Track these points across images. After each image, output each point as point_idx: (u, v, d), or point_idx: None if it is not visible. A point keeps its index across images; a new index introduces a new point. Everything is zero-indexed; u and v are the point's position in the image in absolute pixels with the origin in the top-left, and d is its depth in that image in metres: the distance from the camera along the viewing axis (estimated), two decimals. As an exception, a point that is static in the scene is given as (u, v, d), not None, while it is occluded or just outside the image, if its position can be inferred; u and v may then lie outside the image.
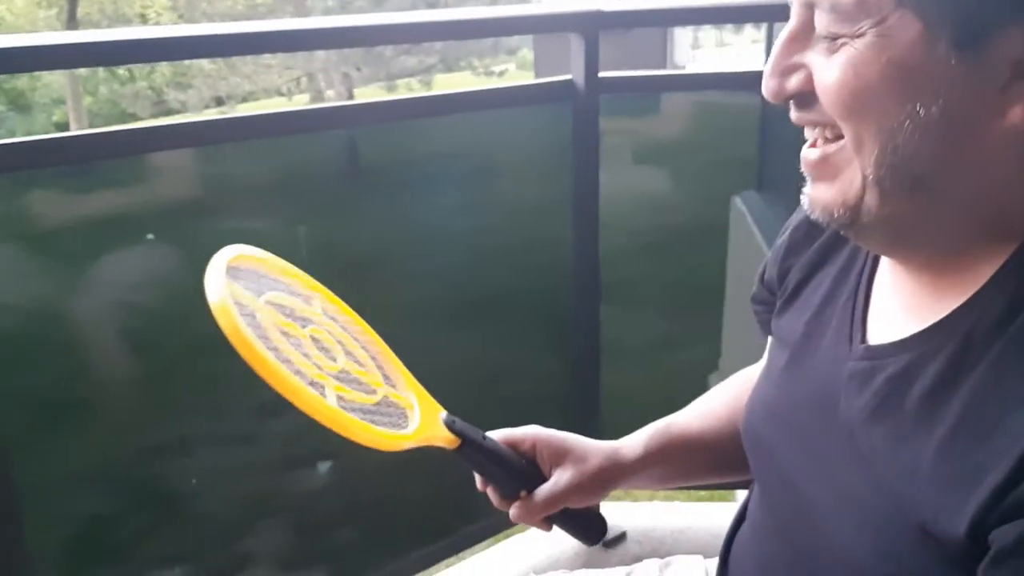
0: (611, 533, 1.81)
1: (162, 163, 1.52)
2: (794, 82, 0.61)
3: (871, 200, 0.59)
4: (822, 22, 0.58)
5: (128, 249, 1.53)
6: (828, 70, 0.58)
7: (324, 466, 1.81)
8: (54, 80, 18.18)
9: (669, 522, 1.75)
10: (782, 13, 0.64)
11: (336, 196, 1.68)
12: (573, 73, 1.71)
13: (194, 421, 1.62)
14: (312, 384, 0.62)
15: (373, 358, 0.75)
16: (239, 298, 0.62)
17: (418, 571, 1.86)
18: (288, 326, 0.67)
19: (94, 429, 1.50)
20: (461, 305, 1.83)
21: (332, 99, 17.32)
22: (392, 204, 1.74)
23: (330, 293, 0.78)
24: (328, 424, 0.61)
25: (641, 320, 2.04)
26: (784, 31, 0.61)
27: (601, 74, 1.70)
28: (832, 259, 0.77)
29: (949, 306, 0.62)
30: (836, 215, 0.62)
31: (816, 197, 0.63)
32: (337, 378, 0.67)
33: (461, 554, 1.93)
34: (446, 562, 1.90)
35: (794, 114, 0.63)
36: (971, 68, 0.54)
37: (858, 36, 0.56)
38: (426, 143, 1.75)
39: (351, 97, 16.58)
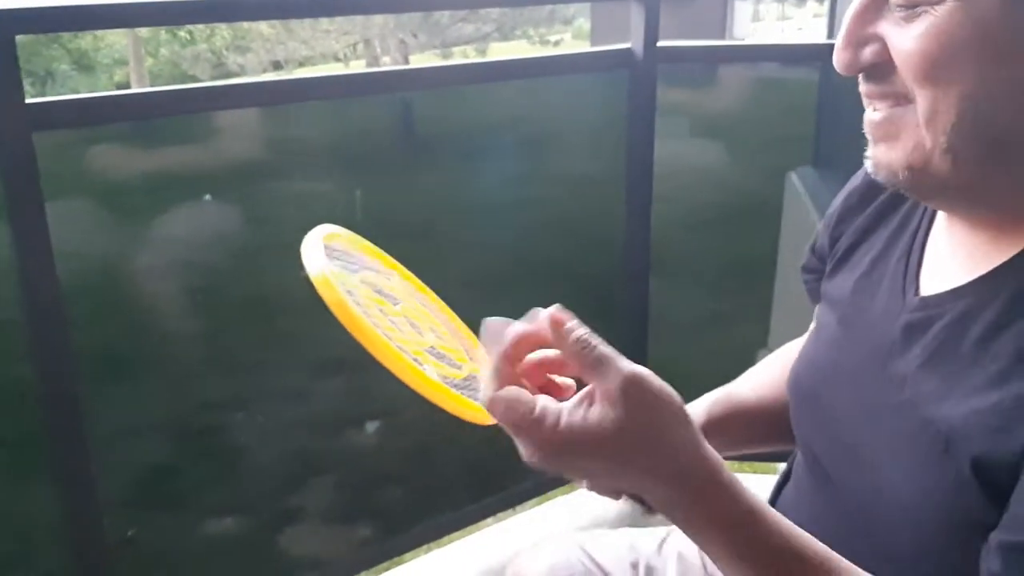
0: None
1: (222, 123, 1.56)
2: (868, 53, 0.61)
3: (942, 166, 0.59)
4: None
5: (189, 207, 1.57)
6: (907, 39, 0.58)
7: (373, 425, 1.86)
8: (116, 41, 18.48)
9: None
10: (843, -14, 0.64)
11: (391, 161, 1.70)
12: (632, 41, 1.69)
13: (250, 378, 1.66)
14: (415, 360, 0.64)
15: (454, 334, 0.76)
16: (338, 274, 0.64)
17: (463, 527, 1.90)
18: (382, 304, 0.69)
19: (156, 382, 1.55)
20: (510, 275, 1.85)
21: (388, 65, 17.35)
22: (446, 171, 1.75)
23: (406, 271, 0.79)
24: (434, 398, 0.60)
25: (691, 295, 2.03)
26: (855, 1, 0.61)
27: (660, 43, 1.69)
28: (885, 223, 0.78)
29: (1006, 255, 0.63)
30: (901, 176, 0.62)
31: (879, 158, 0.63)
32: (430, 353, 0.68)
33: (505, 512, 1.95)
34: (492, 519, 1.93)
35: (865, 86, 0.62)
36: None
37: (939, 4, 0.56)
38: (481, 110, 1.75)
39: (406, 63, 16.59)
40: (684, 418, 0.57)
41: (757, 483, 0.87)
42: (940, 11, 0.56)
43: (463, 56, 17.36)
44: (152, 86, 17.94)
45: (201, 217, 1.59)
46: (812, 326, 0.93)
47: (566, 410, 0.55)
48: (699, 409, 0.90)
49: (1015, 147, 0.58)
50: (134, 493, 1.54)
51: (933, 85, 0.57)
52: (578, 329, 0.58)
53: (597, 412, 0.54)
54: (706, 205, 2.00)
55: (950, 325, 0.65)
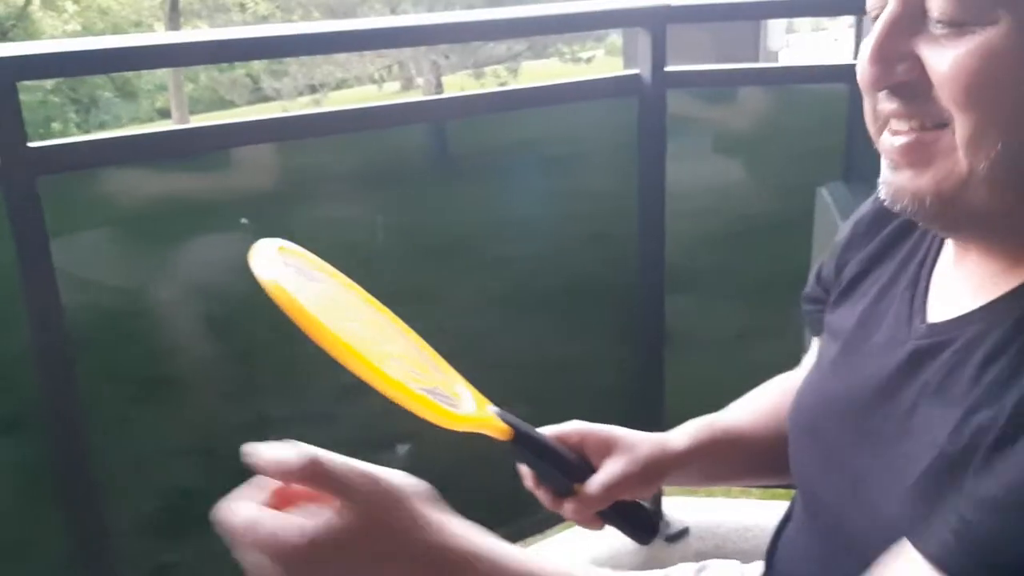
0: (674, 528, 1.80)
1: (253, 153, 1.58)
2: (901, 71, 0.57)
3: (978, 194, 0.56)
4: (940, 6, 0.54)
5: (217, 236, 1.59)
6: (950, 59, 0.54)
7: (403, 447, 1.86)
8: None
9: (733, 519, 1.72)
10: (855, 5, 0.62)
11: (417, 183, 1.72)
12: (640, 67, 1.70)
13: (274, 401, 1.67)
14: (377, 361, 0.63)
15: (416, 351, 0.76)
16: (291, 280, 0.64)
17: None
18: (341, 313, 0.68)
19: (179, 406, 1.57)
20: (530, 294, 1.84)
21: (421, 86, 17.52)
22: (467, 195, 1.76)
23: (366, 294, 0.77)
24: (392, 392, 0.61)
25: (716, 312, 2.01)
26: (886, 13, 0.57)
27: (669, 68, 1.69)
28: (892, 253, 0.75)
29: (1016, 282, 0.61)
30: (927, 203, 0.59)
31: (903, 185, 0.60)
32: (393, 358, 0.68)
33: (534, 537, 1.94)
34: (522, 543, 1.92)
35: (892, 105, 0.59)
36: None
37: (990, 23, 0.53)
38: (500, 137, 1.77)
39: (439, 84, 16.74)
40: (422, 509, 0.57)
41: (778, 510, 0.86)
42: (992, 32, 0.53)
43: (495, 76, 17.46)
44: (192, 111, 18.29)
45: (228, 246, 1.61)
46: (807, 359, 0.91)
47: (303, 521, 0.54)
48: (684, 433, 0.87)
49: None
50: (169, 518, 1.55)
51: (978, 109, 0.54)
52: (292, 457, 0.56)
53: (333, 516, 0.54)
54: (733, 221, 1.98)
55: (959, 351, 0.63)
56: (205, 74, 19.81)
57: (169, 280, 1.54)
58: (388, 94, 18.96)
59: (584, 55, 18.62)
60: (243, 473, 1.79)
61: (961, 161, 0.56)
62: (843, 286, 0.79)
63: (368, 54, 17.42)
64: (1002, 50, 0.53)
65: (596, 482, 0.78)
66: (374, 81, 19.21)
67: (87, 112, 18.34)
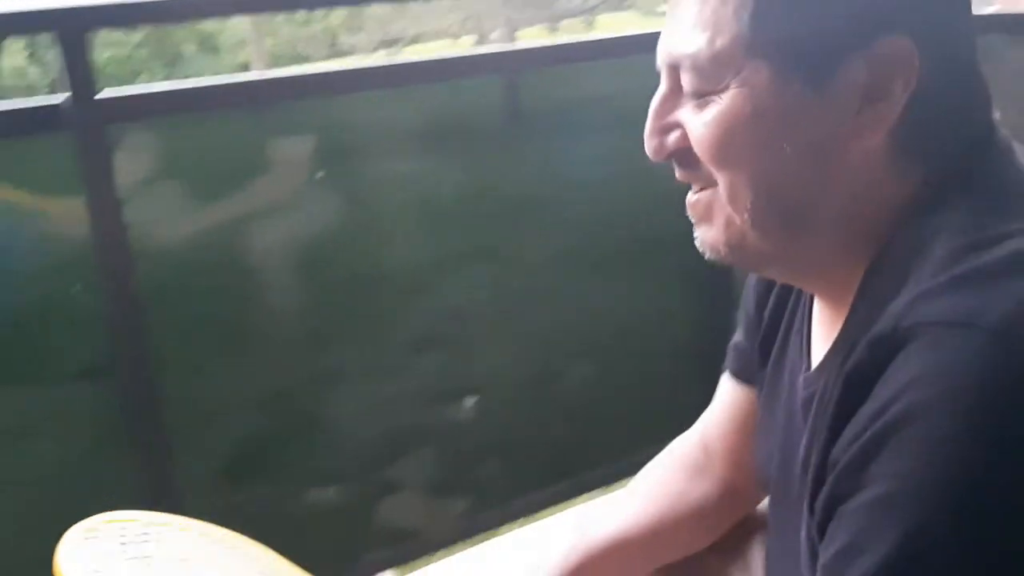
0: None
1: (325, 105, 1.59)
2: (671, 141, 0.63)
3: (752, 240, 0.61)
4: (687, 81, 0.61)
5: (288, 188, 1.62)
6: (699, 127, 0.60)
7: (471, 400, 1.88)
8: (239, 23, 19.17)
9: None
10: None
11: (485, 142, 1.71)
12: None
13: (345, 352, 1.70)
14: None
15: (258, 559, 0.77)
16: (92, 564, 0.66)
17: (559, 502, 1.91)
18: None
19: (258, 356, 1.61)
20: (599, 250, 1.83)
21: (496, 40, 17.39)
22: (537, 151, 1.75)
23: (208, 526, 0.80)
24: None
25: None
26: (658, 91, 0.63)
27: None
28: (792, 298, 0.75)
29: (837, 328, 0.63)
30: (723, 254, 0.64)
31: (703, 238, 0.65)
32: None
33: (602, 490, 1.95)
34: (587, 495, 1.93)
35: (678, 172, 0.64)
36: (825, 101, 0.57)
37: (721, 91, 0.58)
38: (571, 92, 1.74)
39: (514, 38, 16.58)
40: None
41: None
42: (724, 98, 0.58)
43: (570, 29, 17.22)
44: (272, 66, 18.56)
45: (307, 198, 1.64)
46: (713, 407, 0.90)
47: None
48: (550, 572, 0.85)
49: (811, 217, 0.60)
50: (231, 466, 1.61)
51: (726, 167, 0.60)
52: None
53: None
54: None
55: (817, 402, 0.63)
56: (287, 27, 20.03)
57: (239, 231, 1.57)
58: (463, 49, 18.91)
59: (661, 8, 18.15)
60: (311, 422, 1.84)
61: (732, 214, 0.61)
62: (760, 341, 0.79)
63: (443, 8, 17.35)
64: (732, 113, 0.58)
65: None
66: (449, 36, 19.15)
67: (172, 67, 18.78)
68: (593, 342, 1.89)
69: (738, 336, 0.84)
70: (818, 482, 0.56)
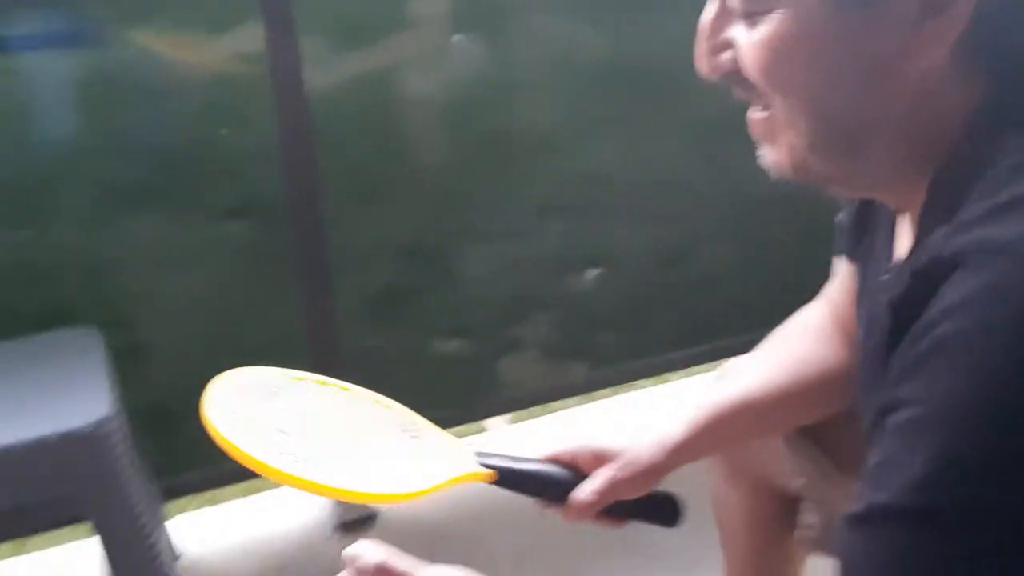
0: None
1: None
2: (725, 60, 0.61)
3: (816, 162, 0.60)
4: (735, 1, 0.58)
5: (438, 43, 1.65)
6: (748, 48, 0.58)
7: (594, 271, 1.93)
8: None
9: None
10: None
11: (635, 6, 1.68)
12: None
13: (484, 212, 1.77)
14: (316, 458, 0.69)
15: (392, 417, 0.80)
16: (232, 410, 0.71)
17: (668, 371, 1.97)
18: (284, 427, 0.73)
19: (398, 207, 1.70)
20: (732, 126, 1.79)
21: None
22: (689, 22, 1.70)
23: (343, 384, 0.83)
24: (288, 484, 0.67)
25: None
26: (707, 10, 0.61)
27: None
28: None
29: (908, 242, 0.61)
30: (790, 173, 0.62)
31: (768, 158, 0.63)
32: (346, 444, 0.73)
33: (710, 364, 1.99)
34: (700, 367, 1.98)
35: (736, 91, 0.62)
36: (881, 17, 0.54)
37: (769, 11, 0.56)
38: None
39: None
40: None
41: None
42: (772, 20, 0.56)
43: None
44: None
45: (451, 53, 1.67)
46: (831, 286, 0.88)
47: None
48: (680, 425, 0.84)
49: (870, 137, 0.58)
50: (372, 309, 1.72)
51: (778, 91, 0.58)
52: (369, 562, 0.62)
53: None
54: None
55: (886, 309, 0.59)
56: None
57: (390, 84, 1.62)
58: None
59: None
60: (446, 275, 1.92)
61: (792, 136, 0.59)
62: (854, 220, 0.77)
63: None
64: (781, 36, 0.56)
65: (584, 491, 0.81)
66: None
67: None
68: (724, 217, 1.89)
69: (841, 215, 0.82)
70: (878, 384, 0.56)
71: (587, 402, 1.97)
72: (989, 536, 0.44)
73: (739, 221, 1.88)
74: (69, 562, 1.46)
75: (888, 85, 0.56)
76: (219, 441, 0.68)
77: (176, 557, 1.40)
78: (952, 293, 0.48)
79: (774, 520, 0.99)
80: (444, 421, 1.88)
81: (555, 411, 1.97)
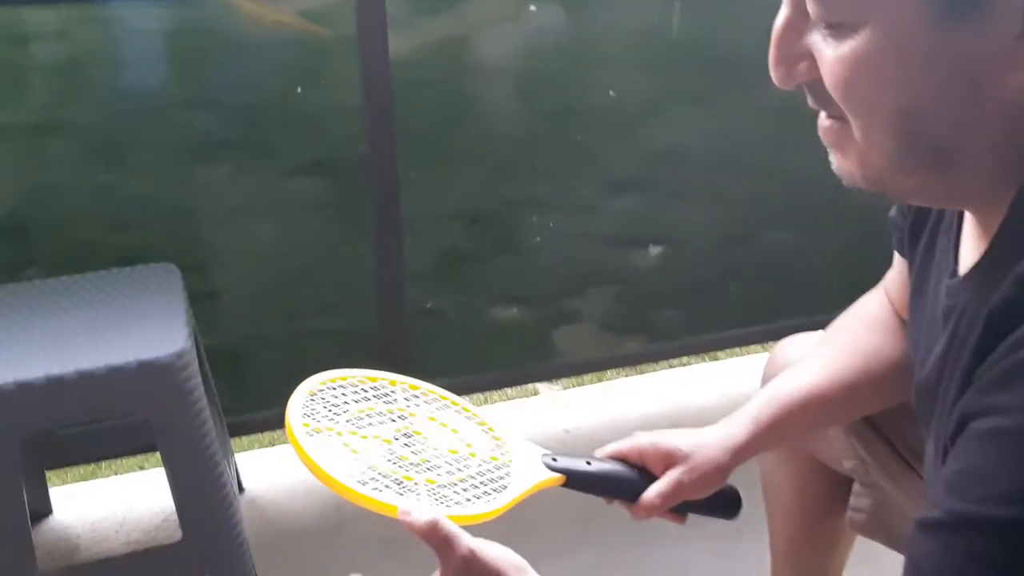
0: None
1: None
2: (802, 70, 0.58)
3: (894, 177, 0.57)
4: (814, 9, 0.55)
5: (514, 15, 1.67)
6: (832, 62, 0.55)
7: (656, 249, 1.94)
8: None
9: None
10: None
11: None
12: None
13: (551, 183, 1.79)
14: (399, 484, 0.70)
15: (467, 429, 0.80)
16: (310, 424, 0.72)
17: (722, 349, 1.98)
18: (364, 437, 0.74)
19: (467, 174, 1.73)
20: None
21: None
22: (773, 4, 1.69)
23: (412, 381, 0.83)
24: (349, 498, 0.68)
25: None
26: (780, 16, 0.57)
27: None
28: None
29: (983, 248, 0.60)
30: (861, 184, 0.59)
31: (837, 165, 0.60)
32: (424, 467, 0.74)
33: (767, 344, 2.00)
34: (753, 347, 1.99)
35: (810, 101, 0.59)
36: (979, 29, 0.51)
37: (858, 26, 0.53)
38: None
39: None
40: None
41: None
42: (861, 34, 0.53)
43: None
44: None
45: (525, 24, 1.68)
46: (889, 276, 0.86)
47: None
48: (744, 423, 0.84)
49: (960, 153, 0.56)
50: (435, 271, 1.76)
51: (862, 110, 0.55)
52: (420, 519, 0.64)
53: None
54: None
55: (957, 317, 0.60)
56: None
57: (482, 51, 1.65)
58: None
59: None
60: (510, 243, 1.95)
61: (868, 151, 0.57)
62: (911, 220, 0.75)
63: None
64: (871, 52, 0.53)
65: (652, 493, 0.81)
66: None
67: None
68: (790, 204, 1.88)
69: (894, 211, 0.81)
70: (960, 391, 0.55)
71: (637, 374, 2.00)
72: None
73: (805, 206, 1.87)
74: (139, 490, 1.54)
75: (983, 101, 0.54)
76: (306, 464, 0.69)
77: (240, 491, 1.46)
78: None
79: (823, 499, 0.99)
80: (498, 382, 1.93)
81: (607, 380, 2.00)
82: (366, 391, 0.80)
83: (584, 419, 1.77)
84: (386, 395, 0.81)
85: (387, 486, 0.69)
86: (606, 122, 1.80)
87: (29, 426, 1.10)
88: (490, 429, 0.81)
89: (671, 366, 2.01)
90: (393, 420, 0.78)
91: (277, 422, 1.69)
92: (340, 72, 1.57)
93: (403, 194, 1.61)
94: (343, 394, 0.78)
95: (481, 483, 0.74)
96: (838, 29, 0.54)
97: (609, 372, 2.02)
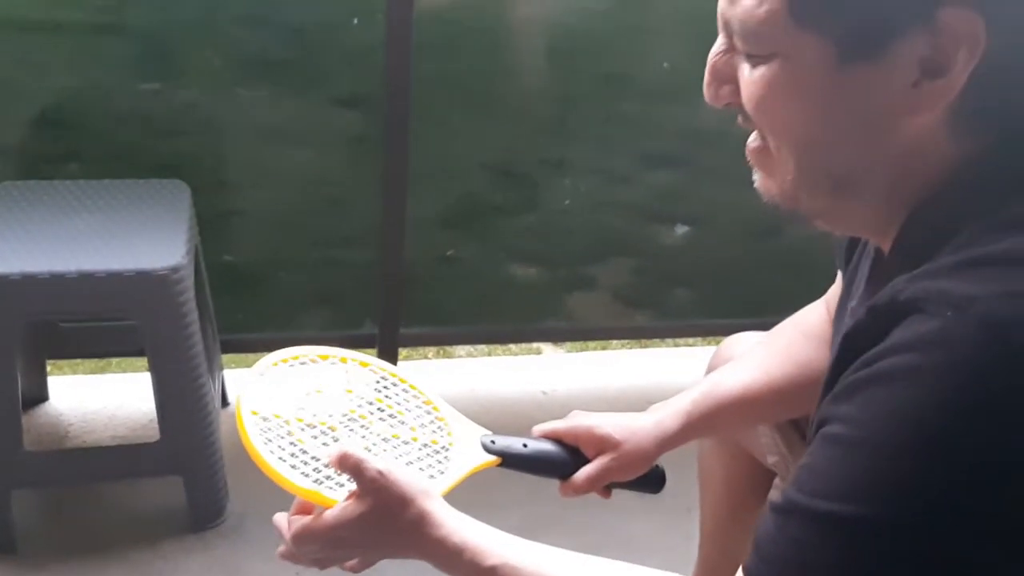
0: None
1: None
2: (725, 92, 0.62)
3: (802, 199, 0.62)
4: (737, 41, 0.59)
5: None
6: (747, 86, 0.59)
7: (683, 228, 1.93)
8: None
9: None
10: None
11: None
12: None
13: (583, 147, 1.79)
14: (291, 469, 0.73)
15: (411, 411, 0.83)
16: (259, 411, 0.75)
17: (729, 334, 1.97)
18: (310, 425, 0.77)
19: (496, 123, 1.73)
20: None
21: None
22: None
23: (362, 358, 0.86)
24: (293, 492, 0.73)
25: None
26: (716, 44, 0.62)
27: None
28: None
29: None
30: (779, 203, 0.64)
31: (759, 184, 0.65)
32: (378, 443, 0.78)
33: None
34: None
35: (739, 119, 0.63)
36: (879, 74, 0.55)
37: (769, 57, 0.57)
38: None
39: None
40: (412, 503, 0.70)
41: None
42: (772, 65, 0.57)
43: None
44: None
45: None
46: (832, 291, 0.89)
47: (327, 512, 0.71)
48: (678, 412, 0.88)
49: (858, 183, 0.60)
50: (461, 219, 1.78)
51: (771, 131, 0.60)
52: (332, 456, 0.71)
53: (348, 507, 0.70)
54: None
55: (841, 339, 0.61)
56: None
57: (536, 7, 1.65)
58: None
59: None
60: (534, 201, 1.95)
61: (783, 172, 0.61)
62: (846, 242, 0.78)
63: None
64: (778, 82, 0.57)
65: (581, 477, 0.86)
66: None
67: None
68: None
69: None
70: (822, 402, 0.59)
71: (641, 347, 2.01)
72: (884, 550, 0.49)
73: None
74: (133, 389, 1.60)
75: (881, 139, 0.57)
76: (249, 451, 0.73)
77: (225, 405, 1.53)
78: (903, 333, 0.51)
79: (749, 489, 1.04)
80: (502, 335, 1.95)
81: (611, 349, 2.02)
82: (317, 371, 0.83)
83: (564, 384, 1.79)
84: (335, 374, 0.84)
85: (329, 476, 0.74)
86: (650, 93, 1.78)
87: (30, 314, 1.18)
88: (435, 408, 0.85)
89: (677, 345, 2.02)
90: (340, 401, 0.82)
91: (272, 344, 1.75)
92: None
93: (435, 136, 1.63)
94: (294, 375, 0.81)
95: (420, 469, 0.78)
96: (755, 59, 0.59)
97: (615, 343, 2.04)
